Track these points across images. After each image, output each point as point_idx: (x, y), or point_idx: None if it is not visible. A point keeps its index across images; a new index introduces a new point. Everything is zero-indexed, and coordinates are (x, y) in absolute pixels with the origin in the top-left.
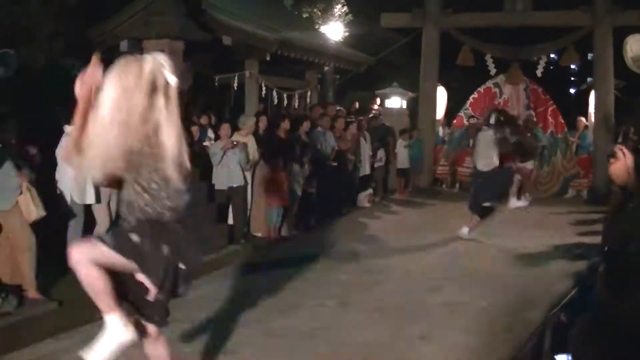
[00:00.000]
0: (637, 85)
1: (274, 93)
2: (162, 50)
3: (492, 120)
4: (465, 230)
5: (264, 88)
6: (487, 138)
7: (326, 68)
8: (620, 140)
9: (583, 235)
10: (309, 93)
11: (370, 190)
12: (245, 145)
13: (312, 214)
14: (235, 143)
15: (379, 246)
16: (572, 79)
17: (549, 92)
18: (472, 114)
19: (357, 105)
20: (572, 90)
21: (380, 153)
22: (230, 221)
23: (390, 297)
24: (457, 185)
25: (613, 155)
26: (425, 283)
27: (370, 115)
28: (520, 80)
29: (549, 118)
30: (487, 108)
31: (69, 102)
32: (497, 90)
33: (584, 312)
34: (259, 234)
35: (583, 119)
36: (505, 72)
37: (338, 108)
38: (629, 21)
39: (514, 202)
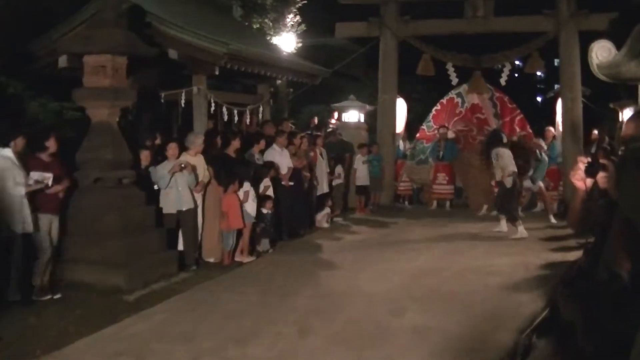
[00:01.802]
0: (604, 92)
1: (224, 109)
2: (104, 67)
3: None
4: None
5: (213, 104)
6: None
7: (279, 81)
8: (593, 150)
9: (554, 252)
10: (261, 108)
11: (328, 210)
12: (194, 168)
13: (268, 236)
14: (183, 166)
15: (339, 268)
16: (539, 86)
17: (515, 100)
18: (436, 126)
19: (316, 120)
20: (538, 98)
21: (338, 169)
22: (181, 247)
23: (352, 322)
24: (435, 203)
25: (603, 168)
26: (388, 306)
27: (328, 129)
28: (484, 89)
29: (516, 128)
30: (450, 119)
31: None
32: (459, 100)
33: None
34: (212, 259)
35: (551, 128)
36: (467, 81)
37: (292, 122)
38: (595, 26)
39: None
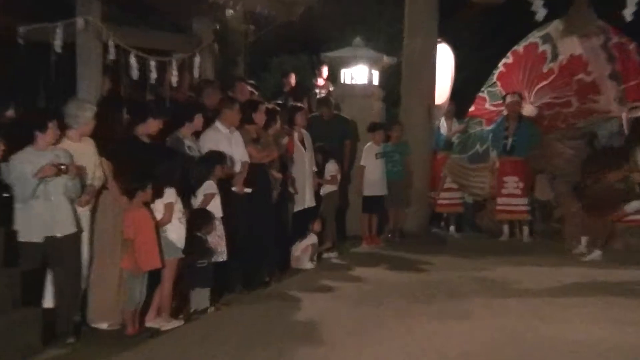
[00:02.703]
0: None
1: (132, 59)
2: None
3: None
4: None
5: (112, 50)
6: None
7: (230, 13)
8: None
9: None
10: (197, 59)
11: (314, 238)
12: (80, 168)
13: (207, 284)
14: (63, 168)
15: (330, 344)
16: None
17: None
18: (504, 93)
19: (293, 80)
20: None
21: (332, 168)
22: (49, 303)
23: None
24: (507, 229)
25: None
26: None
27: (317, 96)
28: (593, 29)
29: None
30: (530, 83)
31: None
32: (547, 47)
33: None
34: (105, 325)
35: None
36: (563, 16)
37: (253, 83)
38: None
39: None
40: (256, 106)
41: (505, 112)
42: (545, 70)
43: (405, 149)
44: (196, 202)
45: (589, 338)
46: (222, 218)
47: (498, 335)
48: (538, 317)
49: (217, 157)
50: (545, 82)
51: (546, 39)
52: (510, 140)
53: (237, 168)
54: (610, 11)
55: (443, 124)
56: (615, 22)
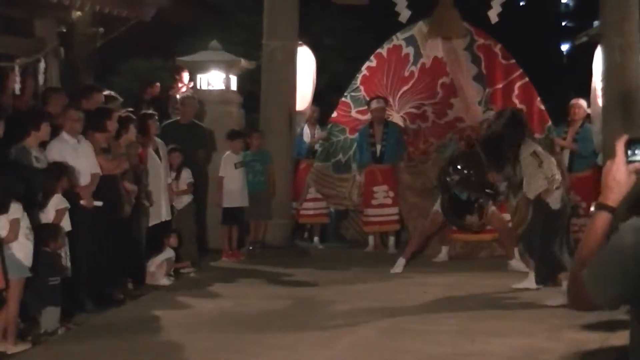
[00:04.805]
0: None
1: None
2: None
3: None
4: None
5: None
6: None
7: (77, 14)
8: None
9: (586, 330)
10: (42, 65)
11: (170, 253)
12: None
13: (55, 302)
14: None
15: None
16: (564, 24)
17: (515, 52)
18: (367, 97)
19: (157, 88)
20: (562, 48)
21: (185, 175)
22: None
23: None
24: (372, 240)
25: None
26: None
27: (179, 100)
28: (457, 31)
29: (516, 101)
30: (394, 87)
31: None
32: (410, 50)
33: None
34: None
35: (582, 102)
36: (427, 17)
37: (109, 93)
38: None
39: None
40: (106, 114)
41: (370, 118)
42: (406, 74)
43: (266, 157)
44: (46, 217)
45: (452, 351)
46: (68, 232)
47: (359, 349)
48: (400, 330)
49: (61, 169)
50: (406, 87)
51: (410, 40)
52: (379, 147)
53: (86, 180)
54: (476, 13)
55: (305, 131)
56: (481, 23)
